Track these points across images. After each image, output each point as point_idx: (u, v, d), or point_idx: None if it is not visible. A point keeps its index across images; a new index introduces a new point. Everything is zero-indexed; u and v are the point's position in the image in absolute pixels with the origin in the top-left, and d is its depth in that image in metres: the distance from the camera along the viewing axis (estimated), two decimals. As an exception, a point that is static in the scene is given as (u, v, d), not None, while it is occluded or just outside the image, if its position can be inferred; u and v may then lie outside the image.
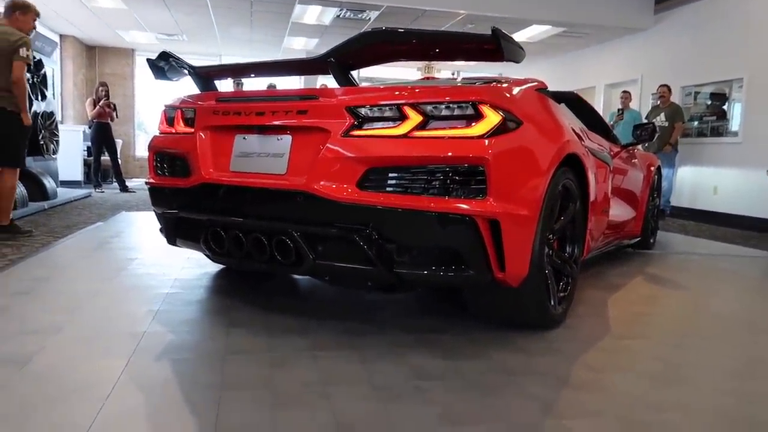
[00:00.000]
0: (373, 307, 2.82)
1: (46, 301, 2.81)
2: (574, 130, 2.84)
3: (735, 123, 8.32)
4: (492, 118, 2.14)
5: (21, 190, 6.19)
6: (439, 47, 2.39)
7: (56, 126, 7.41)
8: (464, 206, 2.09)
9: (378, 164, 2.17)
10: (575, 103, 4.13)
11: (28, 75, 6.62)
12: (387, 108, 2.20)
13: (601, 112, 11.13)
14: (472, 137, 2.12)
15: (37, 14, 4.95)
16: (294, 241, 2.28)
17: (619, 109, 8.87)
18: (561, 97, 4.15)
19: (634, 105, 9.36)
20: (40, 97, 7.04)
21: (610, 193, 3.57)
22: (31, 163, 7.13)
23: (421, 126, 2.16)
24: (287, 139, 2.36)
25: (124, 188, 9.71)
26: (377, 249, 2.18)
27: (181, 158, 2.71)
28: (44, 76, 7.17)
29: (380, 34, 2.27)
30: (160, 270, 3.48)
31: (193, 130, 2.66)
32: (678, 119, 8.43)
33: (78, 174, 10.38)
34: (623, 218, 4.14)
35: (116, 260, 3.79)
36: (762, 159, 7.62)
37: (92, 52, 13.31)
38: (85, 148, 11.07)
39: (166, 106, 2.98)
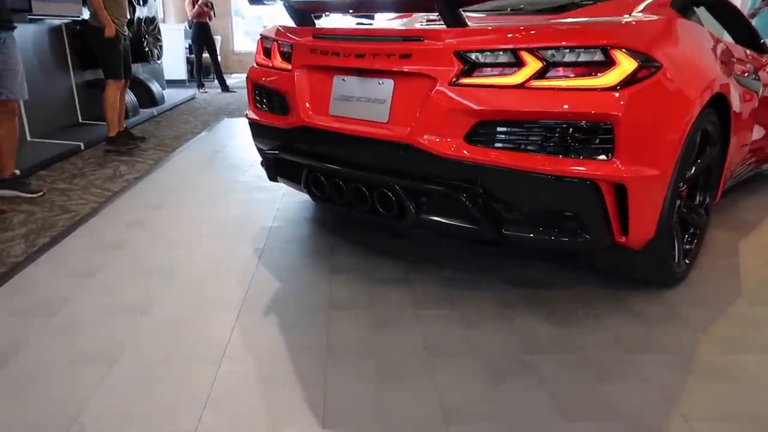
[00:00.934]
0: (478, 252, 2.70)
1: (159, 236, 2.93)
2: (718, 54, 2.42)
3: None
4: (625, 65, 1.83)
5: (131, 98, 6.42)
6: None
7: (159, 30, 7.48)
8: (585, 169, 1.86)
9: (489, 117, 1.96)
10: (716, 4, 3.52)
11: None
12: (501, 53, 1.94)
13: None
14: (600, 89, 1.83)
15: None
16: (396, 195, 2.17)
17: (764, -8, 7.60)
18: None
19: (783, -16, 7.98)
20: (141, 2, 7.07)
21: (756, 116, 3.10)
22: (138, 69, 7.33)
23: (540, 74, 1.89)
24: (389, 84, 2.18)
25: (225, 88, 9.87)
26: (484, 209, 2.03)
27: (279, 95, 2.61)
28: (144, -22, 7.14)
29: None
30: (263, 196, 3.52)
31: (290, 66, 2.53)
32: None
33: (182, 72, 10.62)
34: (764, 141, 3.64)
35: (222, 183, 3.87)
36: None
37: (188, -57, 13.05)
38: (187, 46, 11.25)
39: (262, 35, 2.84)
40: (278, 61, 2.64)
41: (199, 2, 9.55)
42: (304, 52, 2.45)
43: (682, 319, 2.12)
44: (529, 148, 1.92)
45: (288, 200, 3.45)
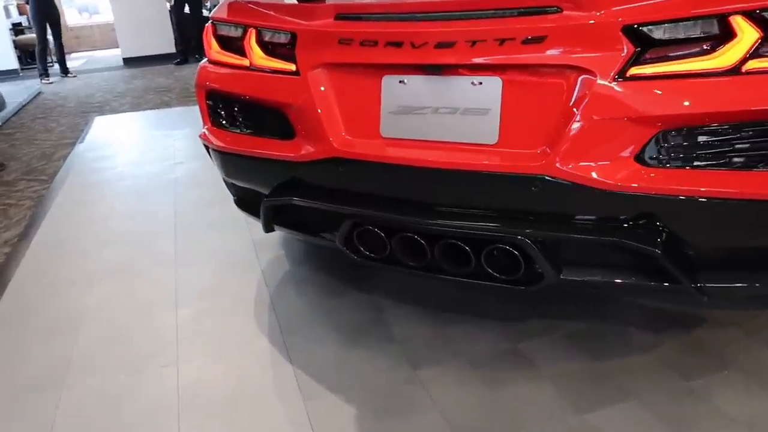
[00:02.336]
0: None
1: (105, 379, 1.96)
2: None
3: None
4: None
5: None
6: None
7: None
8: None
9: (681, 123, 1.27)
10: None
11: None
12: (697, 22, 1.24)
13: None
14: None
15: None
16: (523, 251, 1.43)
17: None
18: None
19: None
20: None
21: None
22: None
23: (760, 50, 1.23)
24: (494, 83, 1.40)
25: (65, 71, 8.17)
26: (679, 259, 1.36)
27: (276, 112, 1.71)
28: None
29: None
30: (244, 235, 2.59)
31: (294, 66, 1.64)
32: None
33: (11, 60, 8.67)
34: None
35: (159, 223, 2.84)
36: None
37: None
38: (10, 27, 9.17)
39: (215, 19, 1.89)
40: (263, 59, 1.72)
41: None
42: (325, 43, 1.56)
43: None
44: (749, 164, 1.27)
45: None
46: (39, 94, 6.93)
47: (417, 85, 1.49)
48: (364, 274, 2.16)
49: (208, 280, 2.25)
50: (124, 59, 9.15)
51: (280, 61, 1.68)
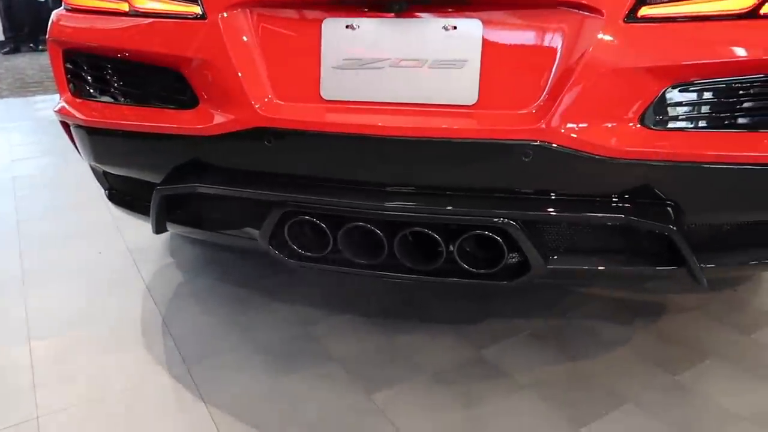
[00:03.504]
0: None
1: None
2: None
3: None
4: None
5: None
6: None
7: None
8: None
9: (694, 76, 1.08)
10: None
11: None
12: (714, -48, 1.05)
13: None
14: None
15: None
16: (506, 237, 1.17)
17: None
18: None
19: None
20: None
21: None
22: None
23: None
24: (472, 27, 1.11)
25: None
26: (687, 237, 1.17)
27: (168, 71, 1.30)
28: None
29: None
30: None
31: (198, 9, 1.23)
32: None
33: None
34: None
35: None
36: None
37: None
38: None
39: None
40: (153, 1, 1.30)
41: None
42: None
43: None
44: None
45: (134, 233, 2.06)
46: None
47: (370, 31, 1.16)
48: (279, 282, 1.78)
49: (74, 305, 1.72)
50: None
51: (176, 2, 1.26)
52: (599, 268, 1.23)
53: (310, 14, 1.18)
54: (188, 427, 1.26)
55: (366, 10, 1.15)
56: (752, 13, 1.06)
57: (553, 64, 1.09)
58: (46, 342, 1.55)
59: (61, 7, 1.47)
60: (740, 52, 1.06)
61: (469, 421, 1.25)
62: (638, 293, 1.71)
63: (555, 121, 1.08)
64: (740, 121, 1.10)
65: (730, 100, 1.09)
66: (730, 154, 1.09)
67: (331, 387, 1.36)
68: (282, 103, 1.21)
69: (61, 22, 1.44)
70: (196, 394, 1.35)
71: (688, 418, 1.26)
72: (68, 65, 1.46)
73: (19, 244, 2.09)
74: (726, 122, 1.10)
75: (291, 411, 1.29)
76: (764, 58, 1.05)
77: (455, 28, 1.12)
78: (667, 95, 1.09)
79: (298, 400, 1.33)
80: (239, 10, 1.20)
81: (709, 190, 1.13)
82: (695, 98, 1.10)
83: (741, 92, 1.09)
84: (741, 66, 1.07)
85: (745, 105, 1.09)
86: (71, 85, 1.47)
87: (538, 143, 1.09)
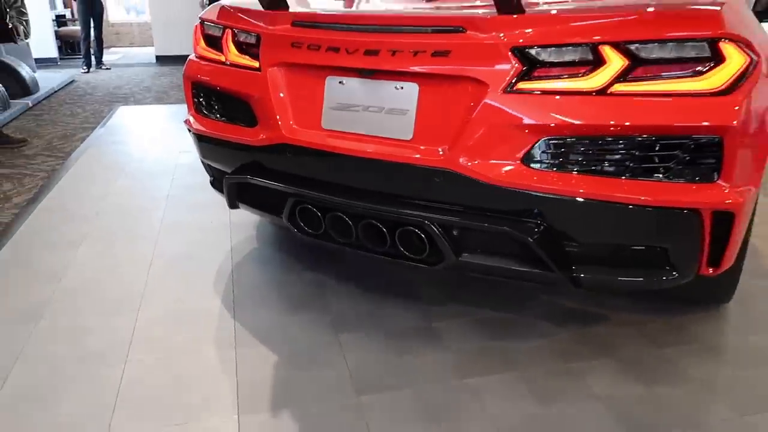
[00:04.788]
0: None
1: (89, 296, 2.24)
2: None
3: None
4: (735, 61, 1.44)
5: (-1, 88, 5.30)
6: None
7: (23, 3, 6.23)
8: (686, 195, 1.47)
9: (558, 132, 1.51)
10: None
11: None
12: (574, 48, 1.48)
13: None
14: (706, 93, 1.43)
15: None
16: (428, 233, 1.68)
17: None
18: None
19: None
20: (-3, -32, 5.82)
21: None
22: (1, 51, 6.11)
23: (626, 75, 1.46)
24: (412, 89, 1.65)
25: (99, 63, 8.67)
26: (552, 248, 1.59)
27: (242, 101, 1.99)
28: (-3, -61, 5.86)
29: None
30: (206, 211, 2.87)
31: (258, 63, 1.92)
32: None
33: (52, 49, 9.20)
34: None
35: (148, 198, 3.14)
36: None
37: None
38: (54, 18, 9.74)
39: (203, 19, 2.18)
40: (236, 56, 2.01)
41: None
42: (281, 45, 1.84)
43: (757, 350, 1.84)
44: (611, 171, 1.50)
45: (239, 213, 2.83)
46: (72, 82, 7.38)
47: (353, 86, 1.75)
48: (316, 255, 2.42)
49: (180, 249, 2.52)
50: (156, 57, 9.61)
51: (247, 58, 1.96)
52: (497, 265, 1.69)
53: (318, 73, 1.80)
54: (215, 329, 1.94)
55: (351, 73, 1.74)
56: (602, 91, 1.47)
57: (459, 117, 1.59)
58: (155, 266, 2.34)
59: (192, 55, 2.25)
60: (595, 117, 1.48)
61: (393, 365, 1.78)
62: (588, 305, 2.08)
63: (457, 156, 1.58)
64: (591, 167, 1.51)
65: (587, 151, 1.51)
66: (583, 191, 1.50)
67: (317, 328, 1.96)
68: (298, 128, 1.85)
69: (190, 65, 2.22)
70: (232, 314, 2.03)
71: (555, 391, 1.65)
72: (193, 92, 2.23)
73: (165, 207, 2.98)
74: (582, 167, 1.51)
75: (287, 337, 1.91)
76: (609, 122, 1.46)
77: (402, 88, 1.67)
78: (539, 144, 1.53)
79: (294, 331, 1.94)
80: (277, 67, 1.86)
81: (568, 216, 1.54)
82: (562, 148, 1.53)
83: (593, 146, 1.50)
84: (596, 128, 1.48)
85: (594, 155, 1.49)
86: (194, 105, 2.24)
87: (445, 170, 1.60)
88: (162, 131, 4.75)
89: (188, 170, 3.60)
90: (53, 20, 9.50)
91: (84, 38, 8.49)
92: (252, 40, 1.95)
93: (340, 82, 1.77)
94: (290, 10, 1.91)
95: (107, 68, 8.63)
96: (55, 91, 6.63)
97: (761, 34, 1.78)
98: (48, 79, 6.99)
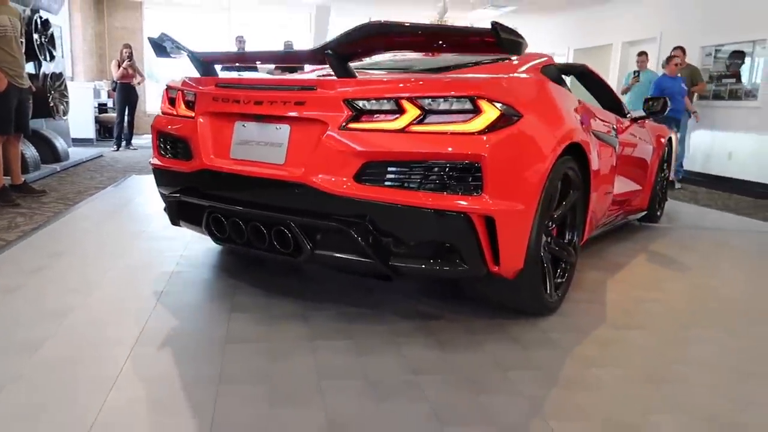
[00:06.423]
0: (372, 289, 2.86)
1: (57, 280, 2.88)
2: (579, 113, 2.79)
3: (755, 86, 8.10)
4: (490, 113, 2.12)
5: (32, 152, 6.25)
6: (438, 40, 2.34)
7: (65, 87, 7.40)
8: (460, 203, 2.10)
9: (375, 158, 2.17)
10: (584, 75, 4.03)
11: (36, 36, 6.59)
12: (384, 101, 2.18)
13: (617, 73, 10.89)
14: (469, 133, 2.10)
15: None
16: (292, 232, 2.31)
17: (635, 71, 8.63)
18: (569, 70, 4.05)
19: (651, 65, 9.09)
20: (48, 58, 7.01)
21: (616, 169, 3.53)
22: (42, 124, 7.17)
23: (419, 120, 2.14)
24: (286, 128, 2.36)
25: (129, 143, 9.86)
26: (373, 242, 2.20)
27: (182, 141, 2.72)
28: (52, 35, 7.11)
29: (378, 27, 2.22)
30: (168, 245, 3.54)
31: (193, 114, 2.66)
32: (697, 80, 8.21)
33: (90, 131, 10.42)
34: (629, 194, 4.11)
35: (126, 233, 3.85)
36: (781, 125, 7.44)
37: (101, 5, 13.11)
38: (96, 105, 11.08)
39: (168, 86, 2.97)
40: (182, 109, 2.77)
41: (124, 64, 9.60)
42: (207, 99, 2.60)
43: (553, 342, 2.35)
44: (411, 185, 2.14)
45: (194, 247, 3.48)
46: (99, 156, 8.42)
47: (251, 128, 2.47)
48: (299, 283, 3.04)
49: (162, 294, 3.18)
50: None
51: (188, 110, 2.72)
52: (341, 256, 2.29)
53: (230, 119, 2.53)
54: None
55: (250, 118, 2.46)
56: (403, 130, 2.15)
57: (312, 147, 2.26)
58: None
59: (159, 112, 3.03)
60: (399, 148, 2.14)
61: (264, 338, 2.34)
62: (443, 311, 2.63)
63: (311, 174, 2.24)
64: (398, 182, 2.15)
65: (395, 171, 2.15)
66: (393, 199, 2.13)
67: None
68: (214, 158, 2.55)
69: (156, 119, 2.98)
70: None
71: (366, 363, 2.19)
72: (157, 138, 2.98)
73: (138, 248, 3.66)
74: (396, 183, 2.15)
75: (264, 341, 2.50)
76: (408, 151, 2.12)
77: (280, 128, 2.37)
78: (364, 165, 2.18)
79: (275, 336, 2.53)
80: (203, 115, 2.60)
81: (385, 217, 2.16)
82: (381, 169, 2.18)
83: (399, 168, 2.15)
84: (399, 155, 2.14)
85: (400, 174, 2.13)
86: (157, 147, 2.98)
87: (303, 184, 2.26)
88: (155, 193, 5.53)
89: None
90: (95, 107, 10.82)
91: (118, 122, 9.75)
92: (192, 98, 2.71)
93: (243, 125, 2.49)
94: (219, 76, 2.69)
95: (134, 149, 9.75)
96: (83, 162, 7.62)
97: (547, 104, 2.48)
98: (79, 153, 8.04)
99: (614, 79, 10.46)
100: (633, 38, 10.66)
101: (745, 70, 8.33)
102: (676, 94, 7.50)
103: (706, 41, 8.74)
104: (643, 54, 8.74)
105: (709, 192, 7.63)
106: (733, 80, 8.40)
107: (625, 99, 7.23)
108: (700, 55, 8.79)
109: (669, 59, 7.85)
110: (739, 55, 8.38)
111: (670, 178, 5.55)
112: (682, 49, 8.17)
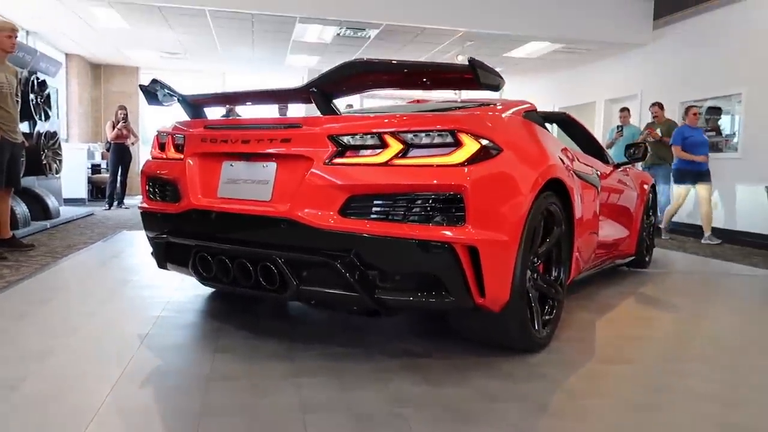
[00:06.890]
0: (360, 329, 2.84)
1: (41, 324, 2.84)
2: (560, 154, 2.86)
3: (734, 139, 8.33)
4: (471, 146, 2.18)
5: (22, 209, 6.27)
6: (419, 77, 2.44)
7: (59, 146, 7.50)
8: (443, 233, 2.12)
9: (359, 192, 2.20)
10: (565, 123, 4.16)
11: (32, 96, 6.75)
12: (368, 136, 2.24)
13: (601, 128, 11.19)
14: (451, 165, 2.15)
15: (14, 31, 4.89)
16: (278, 267, 2.31)
17: (618, 126, 8.88)
18: (551, 118, 4.18)
19: (634, 121, 9.37)
20: (43, 117, 7.15)
21: (601, 213, 3.59)
22: (34, 182, 7.22)
23: (402, 154, 2.19)
24: (272, 166, 2.40)
25: (120, 202, 9.92)
26: (359, 275, 2.21)
27: (171, 184, 2.76)
28: (48, 96, 7.28)
29: (361, 65, 2.32)
30: (154, 292, 3.51)
31: (182, 156, 2.71)
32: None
33: (82, 191, 10.49)
34: (616, 238, 4.15)
35: (112, 282, 3.83)
36: (762, 175, 7.60)
37: (98, 71, 13.49)
38: (89, 166, 11.20)
39: (158, 131, 3.03)
40: (172, 153, 2.82)
41: (119, 125, 9.80)
42: (196, 141, 2.65)
43: (542, 376, 2.32)
44: (395, 217, 2.17)
45: (179, 295, 3.46)
46: (90, 215, 8.44)
47: (238, 167, 2.51)
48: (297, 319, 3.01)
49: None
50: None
51: (177, 153, 2.77)
52: (326, 291, 2.29)
53: (217, 159, 2.58)
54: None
55: (237, 157, 2.51)
56: (386, 164, 2.19)
57: (297, 182, 2.30)
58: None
59: (149, 157, 3.08)
60: (384, 180, 2.18)
61: (247, 374, 2.30)
62: (427, 347, 2.60)
63: (296, 209, 2.27)
64: (383, 214, 2.18)
65: (379, 204, 2.19)
66: (381, 231, 2.15)
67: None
68: (202, 197, 2.58)
69: (146, 164, 3.03)
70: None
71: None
72: (146, 183, 3.02)
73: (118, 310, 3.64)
74: (381, 216, 2.18)
75: (247, 377, 2.46)
76: (392, 184, 2.16)
77: (266, 166, 2.42)
78: (349, 199, 2.22)
79: (259, 373, 2.49)
80: (192, 157, 2.65)
81: (371, 250, 2.17)
82: (365, 203, 2.21)
83: (383, 201, 2.18)
84: (383, 188, 2.18)
85: (384, 207, 2.17)
86: (146, 191, 3.01)
87: (289, 219, 2.28)
88: (144, 246, 5.53)
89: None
90: (88, 167, 10.94)
91: (111, 182, 9.86)
92: (181, 141, 2.77)
93: (231, 165, 2.54)
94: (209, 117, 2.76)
95: (126, 208, 9.80)
96: (74, 219, 7.64)
97: (527, 141, 2.55)
98: (70, 211, 8.06)
99: (599, 134, 10.72)
100: (615, 95, 11.01)
101: (726, 124, 8.58)
102: (698, 144, 7.37)
103: (684, 97, 9.04)
104: (625, 110, 9.03)
105: (697, 241, 7.70)
106: (713, 133, 8.64)
107: (610, 152, 7.40)
108: (679, 111, 9.07)
109: (687, 110, 7.72)
110: (716, 111, 8.65)
111: (657, 225, 5.62)
112: (660, 105, 8.44)
